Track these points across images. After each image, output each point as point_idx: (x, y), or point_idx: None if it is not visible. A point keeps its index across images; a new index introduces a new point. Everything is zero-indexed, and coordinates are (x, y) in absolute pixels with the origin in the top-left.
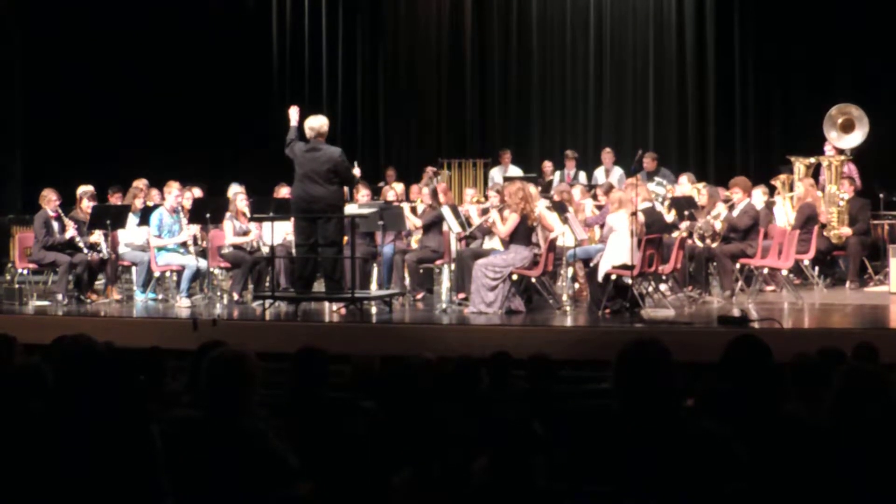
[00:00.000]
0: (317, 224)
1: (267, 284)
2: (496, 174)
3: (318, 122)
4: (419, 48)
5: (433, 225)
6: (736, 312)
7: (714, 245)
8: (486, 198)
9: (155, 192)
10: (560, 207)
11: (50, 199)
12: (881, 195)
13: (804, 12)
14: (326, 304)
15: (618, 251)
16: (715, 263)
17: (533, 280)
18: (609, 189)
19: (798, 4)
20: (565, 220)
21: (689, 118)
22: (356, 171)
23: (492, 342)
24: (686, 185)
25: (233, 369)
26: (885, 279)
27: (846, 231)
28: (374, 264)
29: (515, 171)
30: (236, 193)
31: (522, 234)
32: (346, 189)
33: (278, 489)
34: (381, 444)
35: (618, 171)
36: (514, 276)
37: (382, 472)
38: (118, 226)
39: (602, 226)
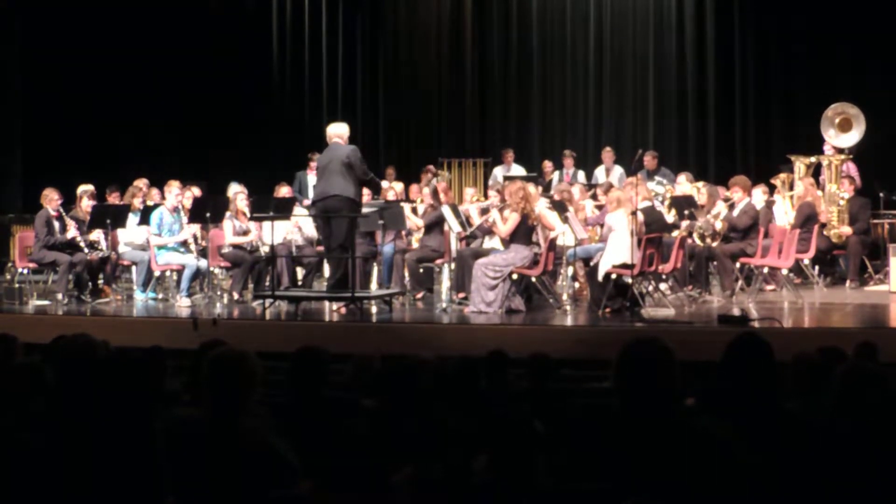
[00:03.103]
0: (332, 221)
1: (267, 284)
2: (499, 173)
3: (335, 127)
4: (419, 48)
5: (434, 225)
6: (736, 312)
7: (714, 244)
8: (487, 197)
9: (155, 192)
10: (560, 207)
11: (52, 199)
12: (881, 194)
13: (804, 10)
14: (327, 303)
15: (618, 250)
16: (715, 263)
17: (533, 279)
18: (609, 188)
19: (798, 2)
20: (565, 220)
21: (689, 117)
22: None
23: (492, 341)
24: (685, 185)
25: (233, 369)
26: (885, 278)
27: (846, 230)
28: (375, 263)
29: (518, 169)
30: (236, 193)
31: (523, 233)
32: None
33: (279, 488)
34: (382, 443)
35: (618, 171)
36: (515, 276)
37: (383, 470)
38: (118, 225)
39: (602, 225)
